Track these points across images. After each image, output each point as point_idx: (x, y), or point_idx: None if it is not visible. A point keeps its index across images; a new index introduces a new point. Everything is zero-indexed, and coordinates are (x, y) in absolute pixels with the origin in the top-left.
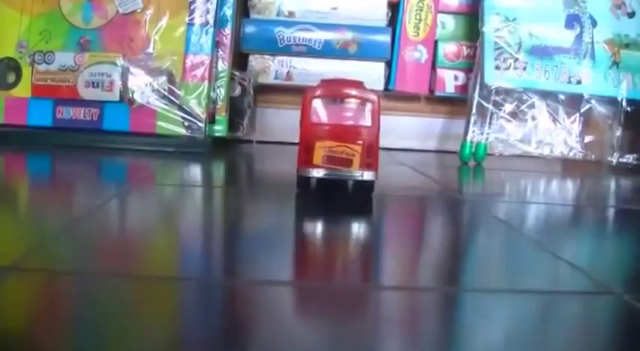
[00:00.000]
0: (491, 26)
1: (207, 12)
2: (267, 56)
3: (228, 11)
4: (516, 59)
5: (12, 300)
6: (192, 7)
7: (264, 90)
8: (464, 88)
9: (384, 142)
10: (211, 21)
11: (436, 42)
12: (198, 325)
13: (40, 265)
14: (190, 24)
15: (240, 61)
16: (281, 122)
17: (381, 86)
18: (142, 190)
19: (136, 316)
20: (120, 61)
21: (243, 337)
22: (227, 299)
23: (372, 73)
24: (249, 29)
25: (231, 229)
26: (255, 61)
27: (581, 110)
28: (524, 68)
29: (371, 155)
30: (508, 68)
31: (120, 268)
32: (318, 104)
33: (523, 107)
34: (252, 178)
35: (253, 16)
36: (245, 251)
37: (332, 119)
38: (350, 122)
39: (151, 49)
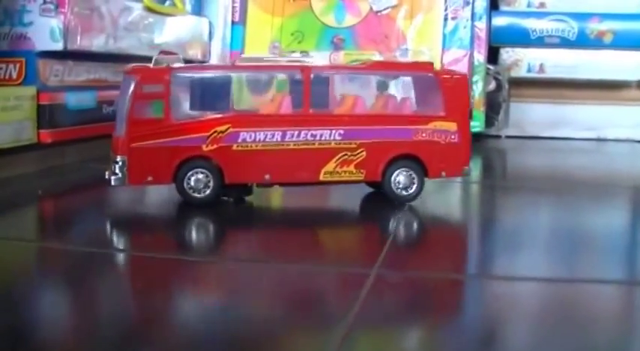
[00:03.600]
0: None
1: (463, 6)
2: (518, 49)
3: (483, 4)
4: None
5: None
6: (447, 2)
7: (516, 84)
8: None
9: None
10: (468, 15)
11: None
12: None
13: None
14: (446, 19)
15: (491, 54)
16: (533, 116)
17: (638, 76)
18: None
19: None
20: (376, 58)
21: None
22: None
23: (628, 63)
24: (500, 22)
25: None
26: (506, 55)
27: None
28: None
29: None
30: None
31: None
32: None
33: None
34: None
35: (503, 8)
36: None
37: None
38: None
39: (407, 46)
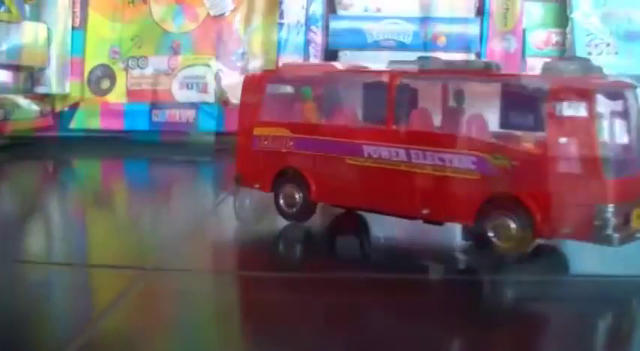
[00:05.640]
0: (581, 12)
1: (298, 10)
2: (356, 52)
3: (318, 9)
4: (608, 44)
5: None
6: (282, 7)
7: None
8: None
9: None
10: (302, 20)
11: (524, 31)
12: None
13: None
14: (281, 23)
15: (329, 58)
16: None
17: None
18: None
19: None
20: (213, 63)
21: None
22: None
23: None
24: (337, 26)
25: None
26: (344, 58)
27: None
28: (617, 53)
29: None
30: (600, 54)
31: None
32: None
33: None
34: None
35: (340, 12)
36: None
37: None
38: None
39: (243, 50)
